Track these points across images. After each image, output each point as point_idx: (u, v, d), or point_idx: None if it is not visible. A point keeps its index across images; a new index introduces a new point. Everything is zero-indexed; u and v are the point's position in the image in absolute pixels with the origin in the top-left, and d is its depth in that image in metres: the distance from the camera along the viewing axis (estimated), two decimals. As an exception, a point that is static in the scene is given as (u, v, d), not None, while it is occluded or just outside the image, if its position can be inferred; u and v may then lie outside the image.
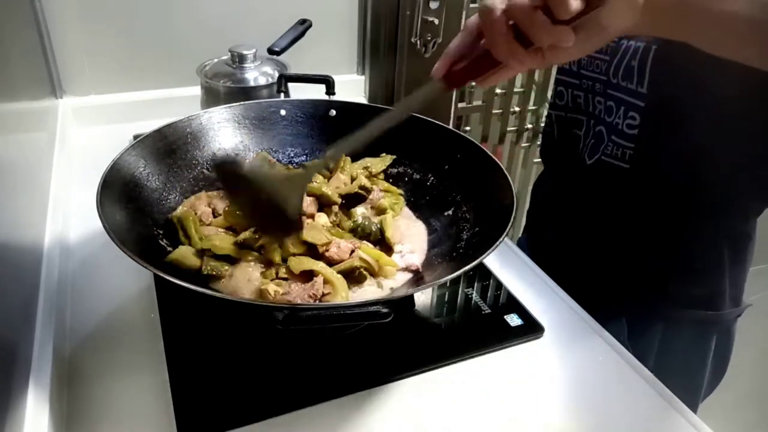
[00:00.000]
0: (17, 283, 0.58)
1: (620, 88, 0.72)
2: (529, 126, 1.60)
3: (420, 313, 0.71)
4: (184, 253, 0.65)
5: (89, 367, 0.62)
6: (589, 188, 0.81)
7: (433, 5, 1.19)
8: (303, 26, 1.11)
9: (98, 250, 0.78)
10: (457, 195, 0.77)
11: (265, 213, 0.59)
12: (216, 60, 1.07)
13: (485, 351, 0.66)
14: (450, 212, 0.76)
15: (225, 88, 1.03)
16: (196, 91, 1.07)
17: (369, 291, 0.66)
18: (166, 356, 0.60)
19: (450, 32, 1.21)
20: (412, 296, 0.70)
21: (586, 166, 0.78)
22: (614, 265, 0.81)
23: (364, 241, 0.71)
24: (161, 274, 0.51)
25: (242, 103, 0.85)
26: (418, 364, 0.63)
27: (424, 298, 0.72)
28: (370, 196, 0.78)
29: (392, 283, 0.67)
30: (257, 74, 1.04)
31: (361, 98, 1.36)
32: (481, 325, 0.69)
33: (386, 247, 0.72)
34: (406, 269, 0.69)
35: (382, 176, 0.84)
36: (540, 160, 1.65)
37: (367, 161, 0.83)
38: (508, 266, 0.80)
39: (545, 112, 1.52)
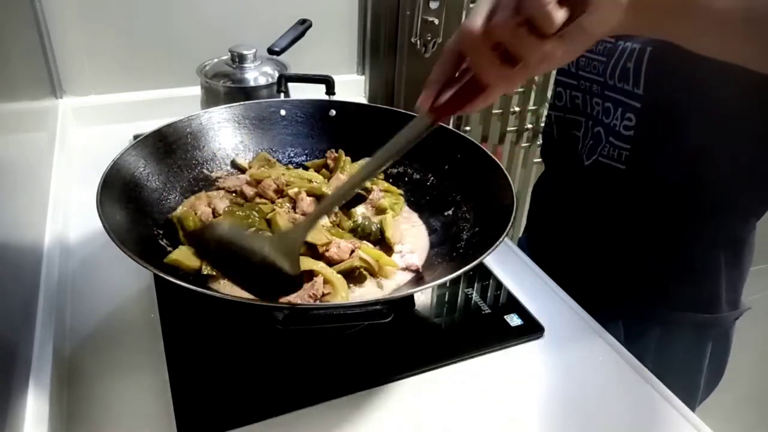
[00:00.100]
0: (17, 283, 0.58)
1: (617, 90, 0.72)
2: (529, 126, 1.60)
3: (420, 313, 0.71)
4: (184, 254, 0.65)
5: (89, 367, 0.62)
6: (587, 189, 0.81)
7: (433, 5, 1.19)
8: (303, 26, 1.11)
9: (98, 250, 0.78)
10: (457, 195, 0.77)
11: (260, 277, 0.54)
12: (216, 60, 1.07)
13: (485, 351, 0.66)
14: (450, 212, 0.76)
15: (225, 88, 1.03)
16: (196, 91, 1.08)
17: (369, 291, 0.66)
18: (166, 356, 0.60)
19: (450, 32, 1.21)
20: (412, 296, 0.70)
21: (584, 166, 0.78)
22: (614, 265, 0.81)
23: (364, 241, 0.71)
24: (161, 274, 0.51)
25: (242, 103, 0.85)
26: (418, 364, 0.63)
27: (424, 298, 0.72)
28: (370, 196, 0.78)
29: (392, 283, 0.67)
30: (257, 74, 1.05)
31: (361, 98, 1.36)
32: (481, 325, 0.69)
33: (386, 247, 0.72)
34: (406, 269, 0.69)
35: (382, 176, 0.84)
36: (540, 160, 1.65)
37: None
38: (508, 266, 0.80)
39: (545, 112, 1.52)
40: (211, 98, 1.04)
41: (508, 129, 1.58)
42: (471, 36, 0.43)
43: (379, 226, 0.73)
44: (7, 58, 0.75)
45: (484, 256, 0.57)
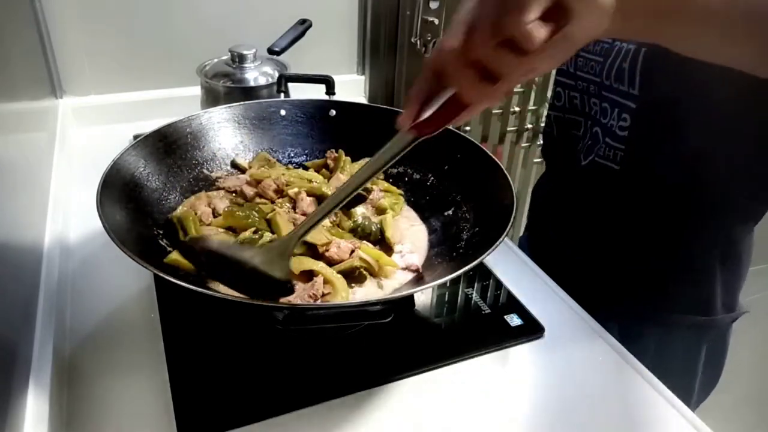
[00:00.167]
0: (17, 283, 0.58)
1: (613, 90, 0.72)
2: (529, 126, 1.60)
3: (420, 313, 0.71)
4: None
5: (89, 367, 0.62)
6: (584, 189, 0.81)
7: (433, 5, 1.19)
8: (303, 26, 1.11)
9: (98, 250, 0.78)
10: (457, 195, 0.77)
11: (252, 283, 0.55)
12: (216, 60, 1.07)
13: (485, 351, 0.66)
14: (450, 212, 0.76)
15: (225, 88, 1.03)
16: (196, 91, 1.08)
17: (369, 291, 0.66)
18: (166, 356, 0.60)
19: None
20: (412, 296, 0.70)
21: (581, 167, 0.78)
22: (614, 265, 0.81)
23: (364, 241, 0.71)
24: (161, 274, 0.51)
25: (242, 103, 0.85)
26: (418, 364, 0.63)
27: (424, 298, 0.72)
28: (370, 196, 0.78)
29: (392, 283, 0.67)
30: (257, 74, 1.05)
31: (361, 98, 1.36)
32: (481, 325, 0.69)
33: (386, 247, 0.72)
34: (406, 269, 0.69)
35: (382, 176, 0.84)
36: (540, 160, 1.66)
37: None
38: (508, 266, 0.80)
39: (545, 112, 1.52)
40: (211, 98, 1.04)
41: (508, 129, 1.58)
42: (448, 57, 0.42)
43: (379, 226, 0.73)
44: (7, 58, 0.75)
45: (484, 256, 0.57)
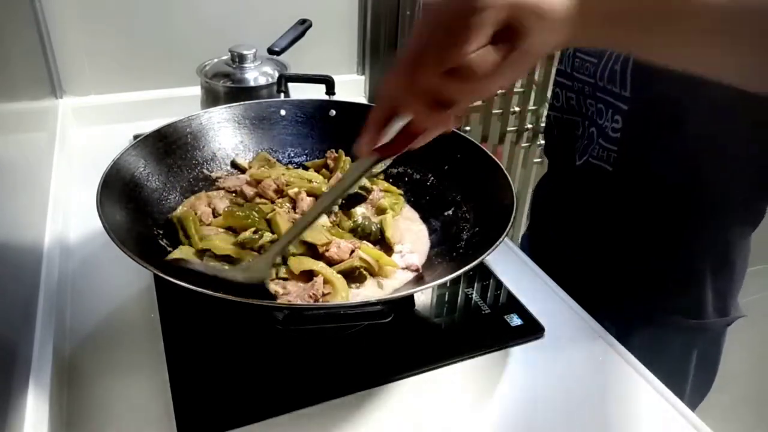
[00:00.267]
0: (17, 283, 0.58)
1: (607, 91, 0.72)
2: (529, 126, 1.61)
3: (420, 313, 0.71)
4: (185, 253, 0.65)
5: (89, 367, 0.62)
6: (580, 189, 0.81)
7: (433, 5, 1.19)
8: (303, 26, 1.11)
9: (98, 250, 0.78)
10: (457, 195, 0.77)
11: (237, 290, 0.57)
12: (216, 60, 1.07)
13: (485, 351, 0.66)
14: (450, 212, 0.76)
15: (225, 88, 1.03)
16: (196, 91, 1.08)
17: (369, 291, 0.66)
18: (166, 356, 0.60)
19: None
20: (412, 296, 0.70)
21: (576, 166, 0.78)
22: (614, 265, 0.81)
23: (364, 241, 0.71)
24: (161, 275, 0.51)
25: (242, 103, 0.85)
26: (418, 364, 0.63)
27: (424, 298, 0.72)
28: (370, 196, 0.78)
29: (392, 283, 0.67)
30: (257, 74, 1.05)
31: (361, 98, 1.36)
32: (481, 325, 0.69)
33: (386, 247, 0.72)
34: (406, 269, 0.69)
35: (382, 176, 0.84)
36: (540, 160, 1.66)
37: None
38: (508, 266, 0.80)
39: (545, 112, 1.52)
40: (211, 98, 1.04)
41: (508, 129, 1.58)
42: (398, 88, 0.42)
43: (379, 226, 0.73)
44: (7, 58, 0.75)
45: (484, 256, 0.57)
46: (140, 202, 0.69)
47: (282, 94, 0.99)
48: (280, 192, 0.77)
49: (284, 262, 0.66)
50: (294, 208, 0.75)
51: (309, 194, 0.76)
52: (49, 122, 0.98)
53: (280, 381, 0.60)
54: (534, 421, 0.60)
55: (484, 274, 0.77)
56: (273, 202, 0.76)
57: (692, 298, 0.77)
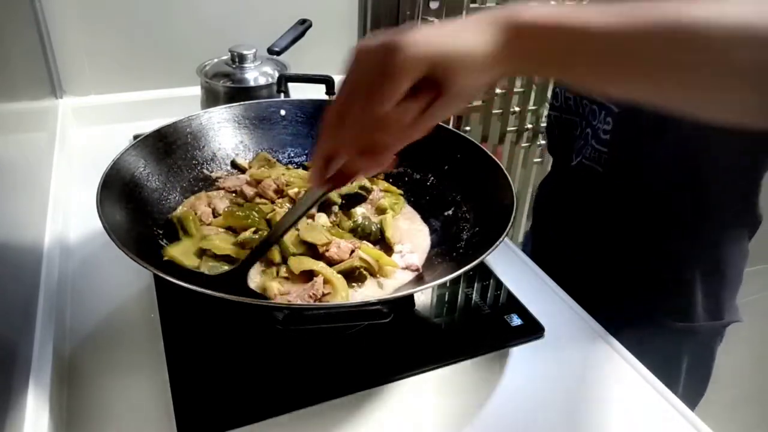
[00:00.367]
0: (17, 283, 0.58)
1: None
2: (529, 126, 1.60)
3: (420, 313, 0.71)
4: (182, 250, 0.65)
5: (89, 367, 0.62)
6: (575, 189, 0.82)
7: (433, 5, 1.19)
8: (303, 26, 1.11)
9: (98, 250, 0.78)
10: (457, 195, 0.77)
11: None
12: (216, 60, 1.07)
13: (485, 351, 0.66)
14: (450, 212, 0.76)
15: (225, 88, 1.03)
16: (196, 91, 1.07)
17: (369, 291, 0.66)
18: (166, 356, 0.60)
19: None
20: (412, 296, 0.70)
21: (571, 167, 0.79)
22: (614, 265, 0.81)
23: (364, 241, 0.71)
24: (161, 275, 0.51)
25: (242, 103, 0.85)
26: (418, 364, 0.63)
27: (424, 298, 0.72)
28: (370, 196, 0.78)
29: (392, 283, 0.67)
30: (257, 74, 1.04)
31: (361, 98, 1.36)
32: (481, 325, 0.69)
33: (386, 247, 0.72)
34: (407, 269, 0.69)
35: (382, 176, 0.84)
36: (540, 160, 1.66)
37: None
38: (508, 266, 0.80)
39: (545, 112, 1.52)
40: (211, 98, 1.04)
41: (508, 129, 1.58)
42: (328, 140, 0.45)
43: (379, 226, 0.73)
44: (7, 58, 0.75)
45: (484, 256, 0.57)
46: (140, 202, 0.69)
47: (282, 94, 0.99)
48: (280, 192, 0.77)
49: (284, 261, 0.66)
50: (294, 208, 0.75)
51: (309, 194, 0.76)
52: (49, 122, 0.98)
53: (280, 381, 0.60)
54: (534, 421, 0.60)
55: (484, 274, 0.77)
56: (273, 202, 0.76)
57: (681, 300, 0.77)
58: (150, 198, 0.71)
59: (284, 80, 0.99)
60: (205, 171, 0.80)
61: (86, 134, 1.11)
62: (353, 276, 0.66)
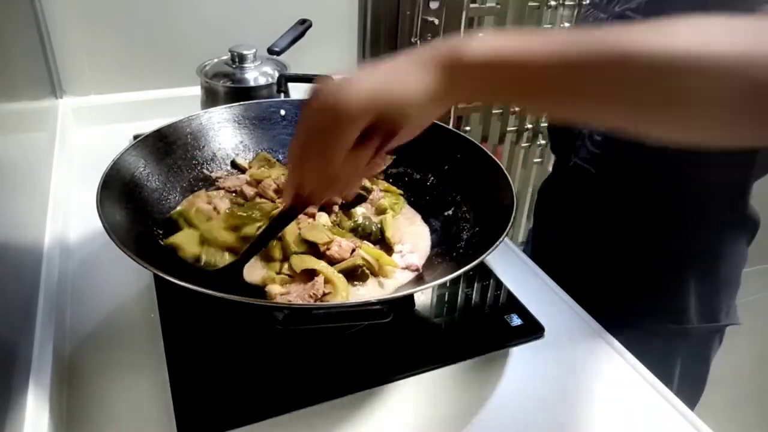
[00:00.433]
0: (17, 283, 0.58)
1: None
2: (529, 126, 1.60)
3: (420, 313, 0.71)
4: (186, 238, 0.66)
5: (89, 367, 0.62)
6: (572, 189, 0.82)
7: (433, 5, 1.19)
8: (303, 26, 1.11)
9: (98, 250, 0.78)
10: (457, 195, 0.77)
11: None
12: (216, 60, 1.07)
13: (485, 351, 0.66)
14: (450, 212, 0.76)
15: (225, 88, 1.03)
16: (196, 91, 1.07)
17: (369, 291, 0.66)
18: (166, 356, 0.60)
19: (450, 32, 1.21)
20: (412, 296, 0.70)
21: (567, 167, 0.79)
22: (614, 265, 0.81)
23: (365, 241, 0.71)
24: (161, 274, 0.51)
25: (242, 103, 0.85)
26: (418, 364, 0.63)
27: (424, 298, 0.72)
28: (370, 196, 0.78)
29: (392, 282, 0.67)
30: (257, 74, 1.04)
31: (361, 98, 1.36)
32: (481, 325, 0.69)
33: (386, 247, 0.72)
34: (407, 269, 0.69)
35: (382, 176, 0.84)
36: (540, 160, 1.66)
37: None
38: (508, 266, 0.80)
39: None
40: (211, 98, 1.04)
41: (508, 129, 1.58)
42: (295, 181, 0.48)
43: (379, 226, 0.73)
44: (7, 58, 0.75)
45: (484, 256, 0.57)
46: (140, 202, 0.69)
47: (282, 94, 0.99)
48: (280, 192, 0.77)
49: (285, 259, 0.66)
50: (294, 208, 0.75)
51: (309, 194, 0.76)
52: (49, 122, 0.98)
53: (280, 381, 0.60)
54: (534, 421, 0.60)
55: (484, 274, 0.77)
56: (273, 201, 0.76)
57: (675, 301, 0.77)
58: (150, 198, 0.71)
59: (284, 80, 0.99)
60: (205, 171, 0.80)
61: (86, 134, 1.11)
62: (354, 275, 0.66)
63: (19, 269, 0.60)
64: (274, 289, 0.62)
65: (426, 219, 0.78)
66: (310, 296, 0.61)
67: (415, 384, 0.62)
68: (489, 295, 0.74)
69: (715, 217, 0.74)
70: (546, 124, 1.45)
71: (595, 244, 0.82)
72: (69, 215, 0.85)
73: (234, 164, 0.83)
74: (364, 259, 0.66)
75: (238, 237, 0.67)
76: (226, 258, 0.65)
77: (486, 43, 0.40)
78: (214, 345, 0.63)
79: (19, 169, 0.69)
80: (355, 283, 0.66)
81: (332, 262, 0.66)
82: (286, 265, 0.66)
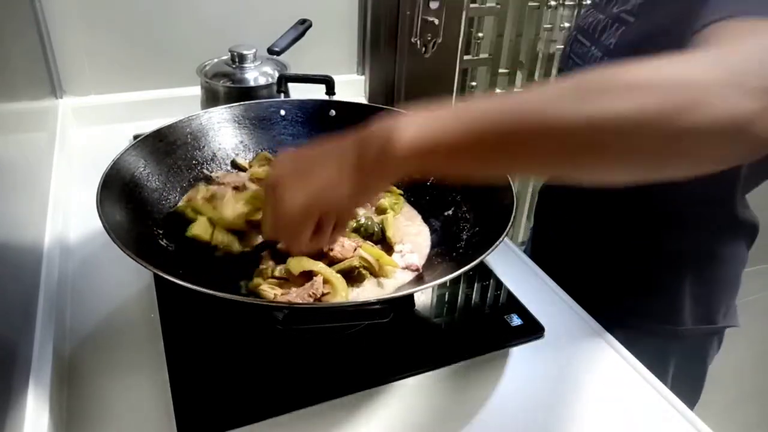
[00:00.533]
0: (17, 283, 0.58)
1: None
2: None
3: (420, 313, 0.71)
4: (204, 228, 0.68)
5: (89, 367, 0.62)
6: (572, 190, 0.82)
7: (433, 5, 1.19)
8: (303, 26, 1.11)
9: (98, 250, 0.78)
10: (457, 195, 0.77)
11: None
12: (216, 60, 1.07)
13: (485, 351, 0.66)
14: (450, 212, 0.76)
15: (225, 88, 1.03)
16: (196, 91, 1.07)
17: (369, 290, 0.66)
18: (166, 356, 0.60)
19: (450, 32, 1.21)
20: (412, 296, 0.70)
21: None
22: (614, 265, 0.81)
23: (366, 241, 0.71)
24: (161, 274, 0.51)
25: (242, 103, 0.85)
26: (418, 364, 0.63)
27: (424, 298, 0.72)
28: (370, 196, 0.78)
29: (392, 282, 0.67)
30: (257, 74, 1.04)
31: (361, 98, 1.36)
32: (481, 325, 0.69)
33: (387, 247, 0.72)
34: (407, 269, 0.69)
35: (382, 176, 0.84)
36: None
37: None
38: (508, 266, 0.80)
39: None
40: (211, 98, 1.04)
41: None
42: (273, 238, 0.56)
43: (381, 226, 0.73)
44: (7, 58, 0.75)
45: (484, 256, 0.57)
46: (140, 202, 0.69)
47: (282, 94, 0.99)
48: (280, 192, 0.77)
49: (279, 262, 0.66)
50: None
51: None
52: (49, 122, 0.98)
53: (280, 381, 0.60)
54: (534, 421, 0.60)
55: (484, 274, 0.77)
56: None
57: (669, 302, 0.77)
58: (150, 198, 0.71)
59: (284, 80, 0.99)
60: (205, 171, 0.80)
61: (86, 134, 1.11)
62: (352, 276, 0.66)
63: (19, 269, 0.60)
64: (267, 291, 0.62)
65: (426, 219, 0.78)
66: (310, 296, 0.61)
67: (415, 384, 0.62)
68: (489, 295, 0.74)
69: (706, 221, 0.74)
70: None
71: (594, 245, 0.82)
72: (69, 215, 0.85)
73: (234, 164, 0.83)
74: (363, 259, 0.66)
75: (245, 221, 0.69)
76: (236, 245, 0.68)
77: (408, 133, 0.43)
78: (214, 345, 0.63)
79: (19, 169, 0.69)
80: (353, 284, 0.66)
81: (334, 261, 0.66)
82: (278, 269, 0.65)
